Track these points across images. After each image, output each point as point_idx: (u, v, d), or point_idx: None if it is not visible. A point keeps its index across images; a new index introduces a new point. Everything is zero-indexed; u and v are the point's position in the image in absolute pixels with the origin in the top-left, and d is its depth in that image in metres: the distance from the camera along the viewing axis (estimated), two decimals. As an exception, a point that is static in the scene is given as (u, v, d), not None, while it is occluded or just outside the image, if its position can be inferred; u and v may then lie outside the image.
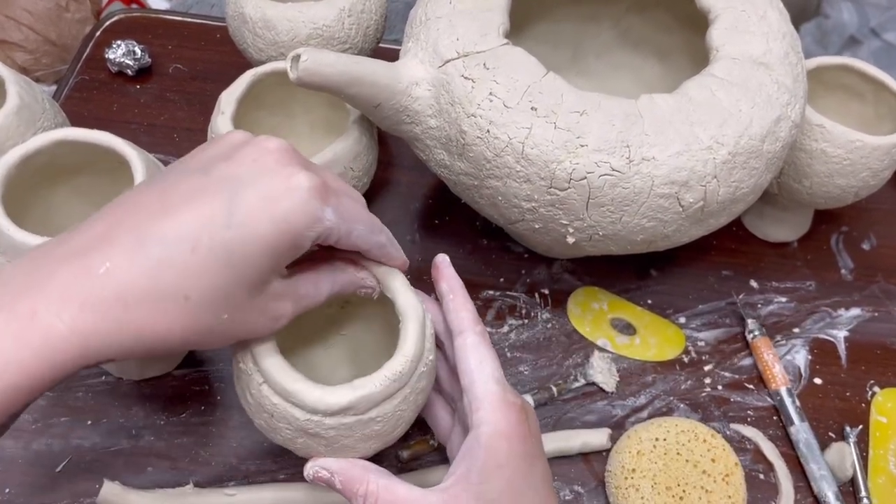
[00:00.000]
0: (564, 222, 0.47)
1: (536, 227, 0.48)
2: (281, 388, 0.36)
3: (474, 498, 0.37)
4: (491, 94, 0.46)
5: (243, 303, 0.34)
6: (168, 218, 0.32)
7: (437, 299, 0.45)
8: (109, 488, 0.46)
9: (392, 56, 0.50)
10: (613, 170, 0.44)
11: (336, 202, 0.35)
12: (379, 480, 0.37)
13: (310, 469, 0.38)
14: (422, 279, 0.45)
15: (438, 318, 0.44)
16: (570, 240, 0.48)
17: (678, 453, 0.50)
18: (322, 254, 0.39)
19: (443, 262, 0.44)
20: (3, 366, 0.29)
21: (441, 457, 0.51)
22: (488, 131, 0.46)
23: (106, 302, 0.30)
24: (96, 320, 0.30)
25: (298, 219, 0.33)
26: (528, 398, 0.53)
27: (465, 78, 0.46)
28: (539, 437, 0.41)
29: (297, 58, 0.44)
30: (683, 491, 0.48)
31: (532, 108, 0.45)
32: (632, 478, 0.49)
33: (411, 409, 0.40)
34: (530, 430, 0.39)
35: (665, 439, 0.50)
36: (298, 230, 0.33)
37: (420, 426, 0.52)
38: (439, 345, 0.45)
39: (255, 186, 0.33)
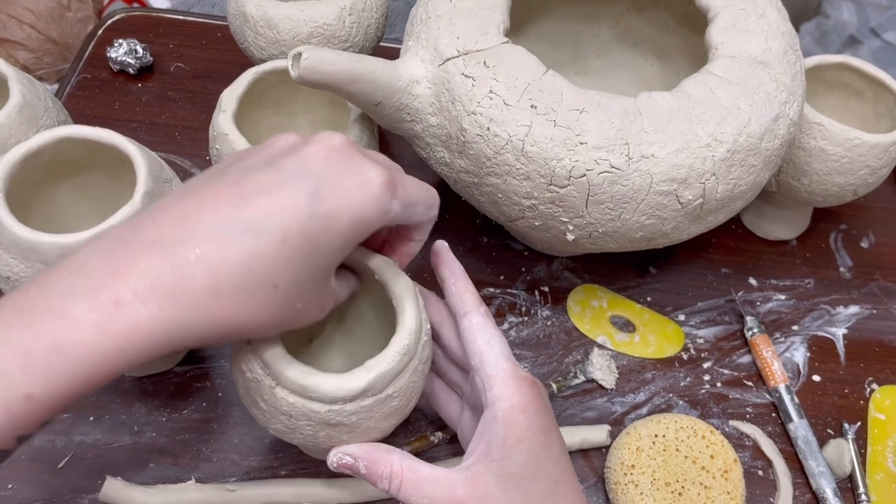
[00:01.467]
0: (564, 220, 0.47)
1: (536, 224, 0.49)
2: (297, 386, 0.36)
3: (497, 473, 0.37)
4: (491, 91, 0.46)
5: (314, 292, 0.35)
6: (251, 207, 0.31)
7: (438, 296, 0.45)
8: (111, 484, 0.46)
9: (393, 55, 0.50)
10: (613, 167, 0.45)
11: (402, 191, 0.36)
12: (403, 462, 0.38)
13: (333, 457, 0.38)
14: (421, 276, 0.46)
15: (436, 312, 0.44)
16: (570, 237, 0.48)
17: (677, 449, 0.50)
18: None
19: (442, 247, 0.44)
20: (83, 355, 0.28)
21: (443, 452, 0.52)
22: (488, 129, 0.46)
23: (197, 291, 0.30)
24: (186, 309, 0.30)
25: (372, 212, 0.34)
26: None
27: (466, 76, 0.47)
28: (551, 410, 0.41)
29: (298, 56, 0.44)
30: (682, 487, 0.48)
31: (532, 106, 0.45)
32: (631, 474, 0.49)
33: (421, 379, 0.40)
34: (544, 403, 0.40)
35: (664, 436, 0.50)
36: (371, 222, 0.34)
37: (421, 421, 0.52)
38: (435, 336, 0.45)
39: (331, 181, 0.33)
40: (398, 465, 0.38)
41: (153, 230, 0.31)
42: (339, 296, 0.39)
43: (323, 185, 0.33)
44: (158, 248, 0.30)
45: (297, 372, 0.36)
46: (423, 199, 0.38)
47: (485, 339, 0.40)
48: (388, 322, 0.46)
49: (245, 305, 0.31)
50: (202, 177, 0.34)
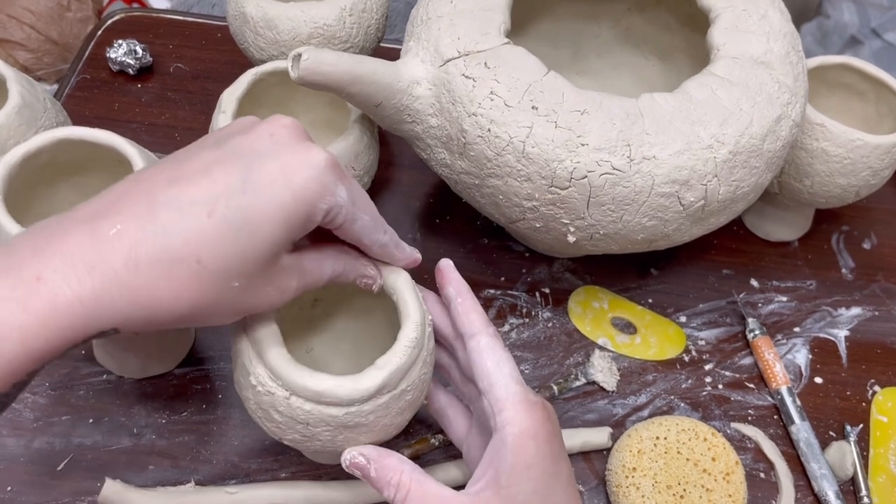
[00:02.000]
0: (565, 221, 0.47)
1: (537, 226, 0.48)
2: (312, 393, 0.36)
3: (505, 501, 0.37)
4: (492, 93, 0.46)
5: (254, 272, 0.33)
6: (183, 185, 0.31)
7: (440, 301, 0.45)
8: (111, 486, 0.46)
9: (393, 55, 0.50)
10: (614, 168, 0.44)
11: (349, 184, 0.35)
12: (413, 474, 0.37)
13: (347, 455, 0.38)
14: (422, 277, 0.45)
15: (442, 320, 0.44)
16: (571, 239, 0.48)
17: (679, 452, 0.50)
18: (325, 237, 0.39)
19: (447, 266, 0.43)
20: (6, 332, 0.28)
21: (443, 455, 0.51)
22: (489, 130, 0.46)
23: (115, 265, 0.30)
24: (104, 285, 0.30)
25: (315, 190, 0.33)
26: (529, 397, 0.53)
27: (466, 77, 0.47)
28: (561, 437, 0.40)
29: (298, 57, 0.44)
30: (684, 490, 0.48)
31: (533, 107, 0.45)
32: (632, 476, 0.49)
33: (430, 370, 0.40)
34: (554, 430, 0.39)
35: (666, 438, 0.50)
36: (313, 201, 0.33)
37: (421, 424, 0.52)
38: (448, 347, 0.45)
39: (273, 158, 0.33)
40: (408, 476, 0.37)
41: (87, 210, 0.31)
42: (316, 272, 0.38)
43: (262, 159, 0.32)
44: (84, 225, 0.30)
45: (310, 379, 0.36)
46: (368, 210, 0.37)
47: (493, 362, 0.40)
48: (384, 321, 0.46)
49: (165, 280, 0.31)
50: (159, 160, 0.35)
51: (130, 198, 0.31)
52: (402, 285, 0.40)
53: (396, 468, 0.38)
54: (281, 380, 0.36)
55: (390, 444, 0.51)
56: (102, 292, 0.30)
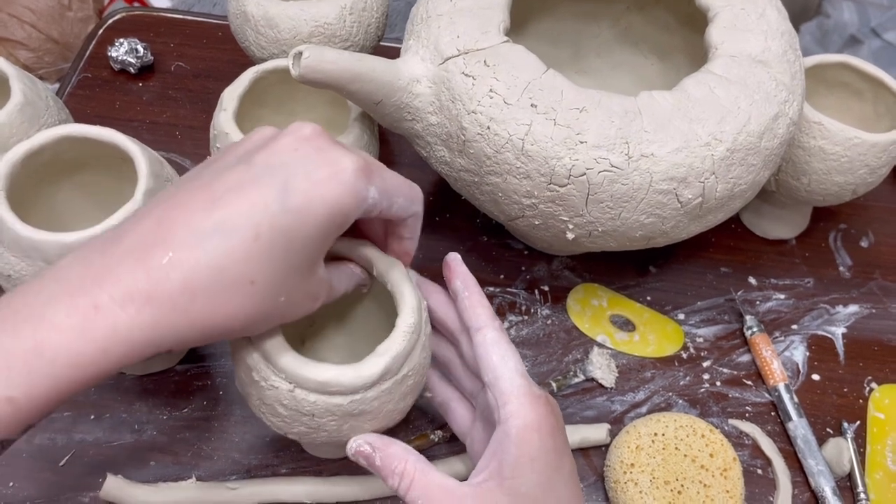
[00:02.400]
0: (564, 218, 0.47)
1: (536, 223, 0.49)
2: (316, 384, 0.36)
3: (508, 492, 0.37)
4: (491, 90, 0.46)
5: (298, 286, 0.35)
6: (222, 207, 0.32)
7: (446, 295, 0.45)
8: (112, 482, 0.46)
9: (393, 54, 0.51)
10: (613, 166, 0.45)
11: (379, 179, 0.36)
12: (417, 463, 0.38)
13: (353, 444, 0.39)
14: (422, 275, 0.46)
15: (446, 311, 0.44)
16: (570, 236, 0.48)
17: (676, 448, 0.50)
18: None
19: (454, 260, 0.44)
20: (63, 359, 0.29)
21: (443, 450, 0.52)
22: (488, 128, 0.46)
23: (172, 293, 0.31)
24: (162, 312, 0.31)
25: (348, 201, 0.34)
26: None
27: (466, 75, 0.47)
28: (565, 432, 0.41)
29: (299, 55, 0.44)
30: (682, 485, 0.49)
31: (532, 105, 0.45)
32: (630, 472, 0.49)
33: (429, 354, 0.41)
34: (558, 424, 0.40)
35: (664, 434, 0.50)
36: (348, 211, 0.34)
37: (421, 420, 0.53)
38: (453, 341, 0.45)
39: (304, 173, 0.33)
40: (412, 465, 0.37)
41: (130, 238, 0.32)
42: (337, 286, 0.39)
43: (293, 177, 0.33)
44: (133, 255, 0.31)
45: (314, 370, 0.36)
46: (402, 191, 0.38)
47: (499, 355, 0.40)
48: (377, 310, 0.46)
49: (222, 304, 0.32)
50: (182, 180, 0.35)
51: (171, 224, 0.32)
52: (396, 274, 0.40)
53: (401, 457, 0.38)
54: (284, 373, 0.37)
55: (392, 435, 0.52)
56: (161, 319, 0.31)
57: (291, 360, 0.37)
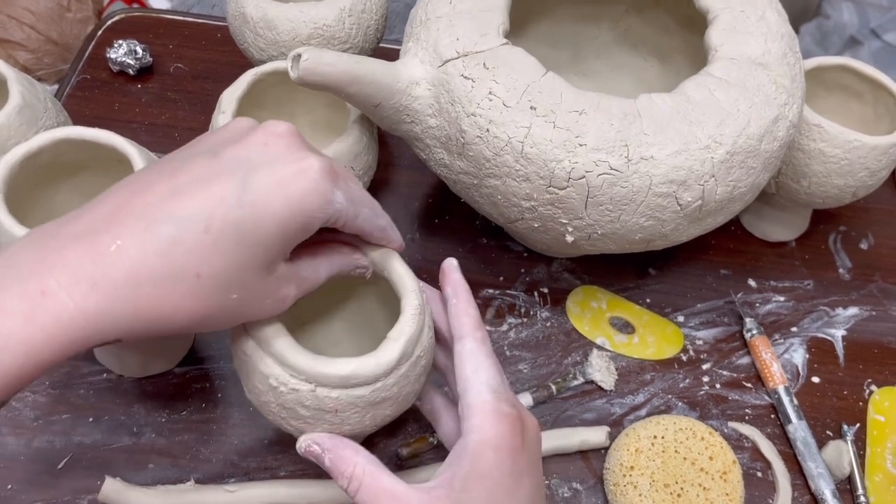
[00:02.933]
0: (563, 221, 0.47)
1: (535, 225, 0.49)
2: (339, 379, 0.36)
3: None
4: (490, 93, 0.46)
5: (252, 283, 0.34)
6: (179, 198, 0.32)
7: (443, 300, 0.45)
8: (111, 485, 0.46)
9: (392, 56, 0.50)
10: (612, 169, 0.45)
11: (345, 186, 0.36)
12: (367, 466, 0.37)
13: (302, 443, 0.38)
14: (421, 277, 0.46)
15: (443, 318, 0.44)
16: (569, 239, 0.48)
17: (676, 451, 0.50)
18: (318, 237, 0.39)
19: (449, 266, 0.43)
20: (13, 345, 0.29)
21: (443, 453, 0.51)
22: (488, 130, 0.46)
23: (117, 281, 0.31)
24: (107, 299, 0.30)
25: (311, 200, 0.33)
26: (527, 396, 0.54)
27: (465, 77, 0.47)
28: (536, 454, 0.39)
29: (297, 57, 0.44)
30: (681, 488, 0.48)
31: (531, 108, 0.45)
32: (630, 475, 0.49)
33: (433, 335, 0.42)
34: (524, 445, 0.38)
35: (663, 437, 0.50)
36: (311, 211, 0.34)
37: (420, 422, 0.52)
38: (450, 348, 0.45)
39: (267, 168, 0.33)
40: (361, 469, 0.37)
41: (84, 221, 0.32)
42: (312, 276, 0.38)
43: (256, 172, 0.33)
44: (83, 240, 0.31)
45: (334, 366, 0.36)
46: (367, 202, 0.38)
47: (472, 367, 0.39)
48: (370, 299, 0.47)
49: (167, 295, 0.32)
50: (153, 164, 0.35)
51: (128, 211, 0.32)
52: (393, 261, 0.41)
53: (350, 460, 0.37)
54: (304, 374, 0.37)
55: (390, 442, 0.52)
56: (106, 307, 0.30)
57: (310, 360, 0.37)
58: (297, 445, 0.39)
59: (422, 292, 0.41)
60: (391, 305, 0.41)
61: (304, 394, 0.37)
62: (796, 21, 1.25)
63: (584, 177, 0.45)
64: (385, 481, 0.37)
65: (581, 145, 0.45)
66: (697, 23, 0.54)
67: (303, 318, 0.47)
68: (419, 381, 0.40)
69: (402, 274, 0.40)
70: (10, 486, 0.48)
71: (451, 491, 0.36)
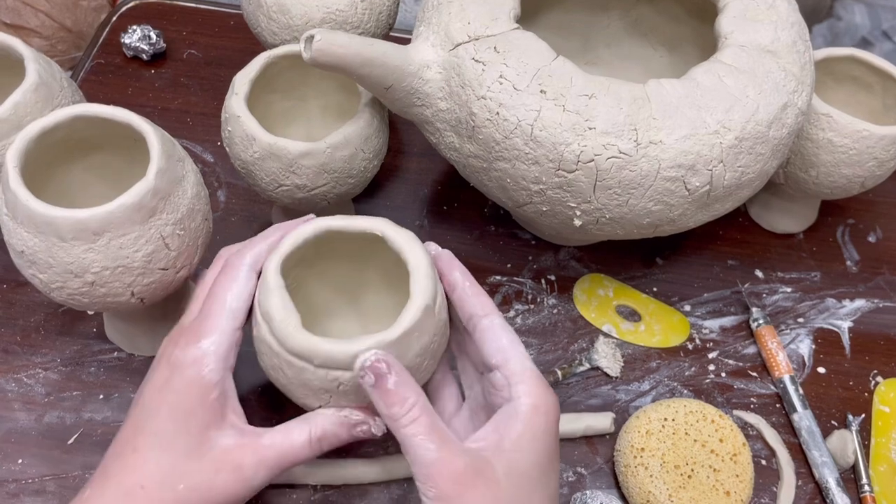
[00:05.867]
0: (572, 205, 0.48)
1: (544, 209, 0.49)
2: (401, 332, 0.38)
3: (506, 464, 0.37)
4: (501, 76, 0.46)
5: (185, 467, 0.38)
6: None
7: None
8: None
9: (403, 44, 0.51)
10: (621, 152, 0.45)
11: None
12: (427, 404, 0.36)
13: (367, 356, 0.36)
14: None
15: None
16: (578, 223, 0.49)
17: (686, 433, 0.50)
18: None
19: (448, 255, 0.43)
20: None
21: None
22: (498, 113, 0.46)
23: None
24: None
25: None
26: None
27: (476, 61, 0.47)
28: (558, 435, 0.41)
29: (310, 38, 0.44)
30: (692, 470, 0.49)
31: (541, 91, 0.46)
32: (641, 457, 0.49)
33: (444, 293, 0.43)
34: (558, 419, 0.40)
35: (674, 419, 0.50)
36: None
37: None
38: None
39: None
40: (423, 403, 0.36)
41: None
42: (272, 453, 0.39)
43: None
44: None
45: (371, 340, 0.37)
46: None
47: (509, 339, 0.40)
48: (386, 290, 0.47)
49: None
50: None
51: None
52: (387, 228, 0.41)
53: (417, 390, 0.37)
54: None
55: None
56: None
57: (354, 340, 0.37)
58: (358, 361, 0.36)
59: (427, 251, 0.41)
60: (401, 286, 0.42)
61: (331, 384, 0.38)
62: (807, 22, 1.24)
63: (592, 160, 0.45)
64: (439, 424, 0.37)
65: (590, 129, 0.45)
66: (708, 12, 0.55)
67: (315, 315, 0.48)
68: (444, 333, 0.41)
69: (396, 238, 0.41)
70: (21, 461, 0.49)
71: (502, 452, 0.37)
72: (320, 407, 0.40)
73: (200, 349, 0.39)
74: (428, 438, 0.35)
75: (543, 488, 0.38)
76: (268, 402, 0.52)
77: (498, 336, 0.40)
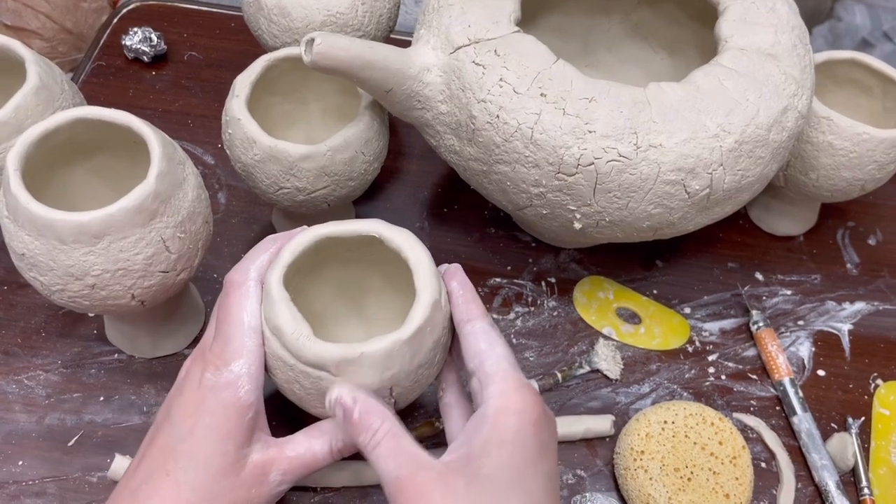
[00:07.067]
0: (572, 208, 0.48)
1: (544, 212, 0.49)
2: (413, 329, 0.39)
3: (472, 471, 0.35)
4: (501, 80, 0.46)
5: (222, 486, 0.38)
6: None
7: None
8: (120, 462, 0.47)
9: (404, 46, 0.51)
10: (621, 156, 0.45)
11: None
12: (393, 427, 0.37)
13: (334, 393, 0.38)
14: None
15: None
16: (577, 226, 0.49)
17: (686, 436, 0.50)
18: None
19: (455, 267, 0.43)
20: None
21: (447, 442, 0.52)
22: (498, 117, 0.46)
23: None
24: None
25: None
26: (533, 384, 0.54)
27: (476, 64, 0.47)
28: (554, 428, 0.39)
29: (311, 41, 0.44)
30: (691, 472, 0.49)
31: (541, 95, 0.46)
32: (640, 459, 0.49)
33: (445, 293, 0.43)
34: (546, 416, 0.38)
35: (673, 422, 0.51)
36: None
37: (427, 408, 0.53)
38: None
39: None
40: (388, 426, 0.37)
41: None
42: (298, 463, 0.41)
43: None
44: None
45: (387, 341, 0.38)
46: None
47: (487, 343, 0.39)
48: (390, 294, 0.47)
49: None
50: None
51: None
52: (383, 229, 0.42)
53: (380, 414, 0.37)
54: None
55: (402, 416, 0.52)
56: None
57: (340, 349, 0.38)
58: (327, 398, 0.38)
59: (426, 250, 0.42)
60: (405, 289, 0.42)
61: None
62: (808, 23, 1.25)
63: (592, 163, 0.45)
64: (407, 444, 0.37)
65: (590, 132, 0.45)
66: (708, 15, 0.55)
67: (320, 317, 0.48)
68: (449, 327, 0.41)
69: (397, 240, 0.41)
70: (21, 462, 0.49)
71: (468, 460, 0.36)
72: None
73: (233, 372, 0.40)
74: (392, 459, 0.36)
75: (520, 490, 0.36)
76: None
77: (477, 340, 0.40)
